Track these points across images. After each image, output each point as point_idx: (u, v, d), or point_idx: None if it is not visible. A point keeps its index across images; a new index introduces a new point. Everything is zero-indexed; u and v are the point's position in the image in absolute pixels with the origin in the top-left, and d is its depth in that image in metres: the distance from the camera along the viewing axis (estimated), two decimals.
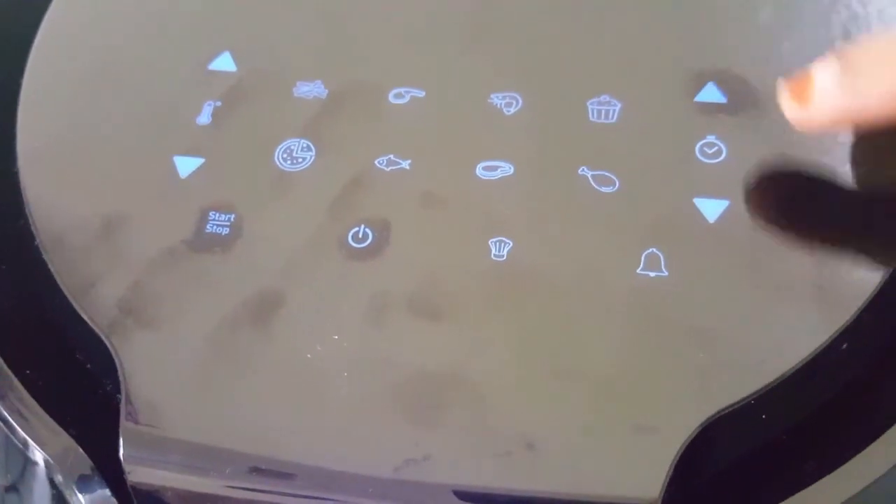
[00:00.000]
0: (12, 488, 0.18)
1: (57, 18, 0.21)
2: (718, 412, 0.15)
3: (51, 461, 0.16)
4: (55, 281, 0.17)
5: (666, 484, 0.15)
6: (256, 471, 0.15)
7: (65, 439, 0.16)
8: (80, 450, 0.16)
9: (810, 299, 0.16)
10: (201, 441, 0.16)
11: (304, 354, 0.16)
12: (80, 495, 0.16)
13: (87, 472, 0.16)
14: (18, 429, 0.16)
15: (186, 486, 0.15)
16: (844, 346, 0.16)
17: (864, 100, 0.16)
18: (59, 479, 0.16)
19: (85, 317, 0.17)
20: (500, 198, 0.18)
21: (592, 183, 0.18)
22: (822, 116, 0.16)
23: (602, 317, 0.16)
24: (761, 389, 0.15)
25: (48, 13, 0.21)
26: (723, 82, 0.19)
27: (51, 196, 0.19)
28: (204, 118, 0.20)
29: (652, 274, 0.17)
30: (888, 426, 0.15)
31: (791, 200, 0.17)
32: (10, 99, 0.20)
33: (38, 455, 0.16)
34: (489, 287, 0.17)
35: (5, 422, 0.16)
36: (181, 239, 0.18)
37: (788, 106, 0.17)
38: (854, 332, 0.16)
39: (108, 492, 0.16)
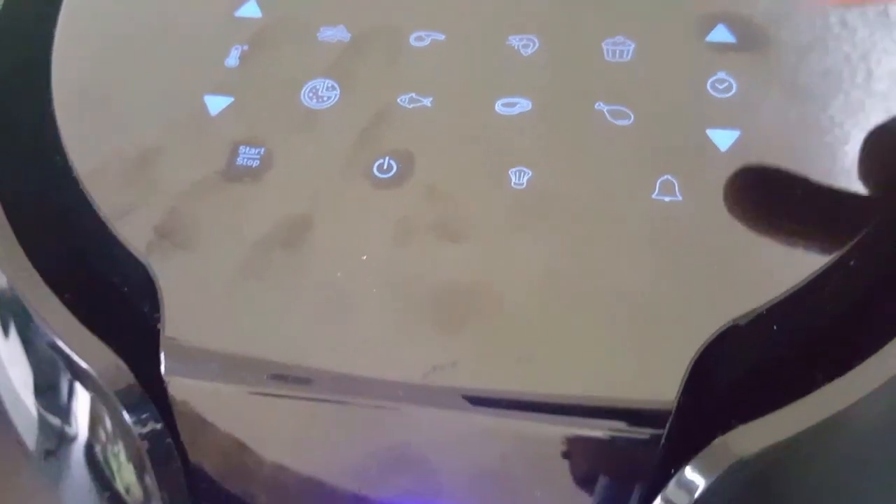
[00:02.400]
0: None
1: None
2: (732, 322, 0.16)
3: (95, 376, 0.16)
4: (93, 210, 0.18)
5: (681, 389, 0.15)
6: (291, 378, 0.16)
7: (108, 355, 0.16)
8: (124, 364, 0.16)
9: (819, 219, 0.17)
10: (239, 352, 0.16)
11: (335, 273, 0.17)
12: (125, 412, 0.16)
13: (131, 386, 0.16)
14: (63, 345, 0.17)
15: (226, 394, 0.16)
16: (852, 262, 0.17)
17: None
18: (102, 395, 0.17)
19: (123, 241, 0.18)
20: (518, 131, 0.19)
21: (608, 117, 0.19)
22: None
23: (618, 236, 0.17)
24: (772, 301, 0.16)
25: None
26: (732, 24, 0.20)
27: (86, 133, 0.19)
28: (232, 61, 0.20)
29: (667, 198, 0.17)
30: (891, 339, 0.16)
31: (799, 129, 0.18)
32: (44, 44, 0.21)
33: (81, 371, 0.17)
34: (510, 212, 0.18)
35: (48, 340, 0.17)
36: (214, 170, 0.19)
37: None
38: (861, 251, 0.17)
39: (152, 407, 0.16)
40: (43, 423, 0.19)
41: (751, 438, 0.15)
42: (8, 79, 0.21)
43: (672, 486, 0.16)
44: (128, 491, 0.18)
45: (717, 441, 0.15)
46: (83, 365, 0.16)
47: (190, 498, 0.17)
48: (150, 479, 0.17)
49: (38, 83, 0.21)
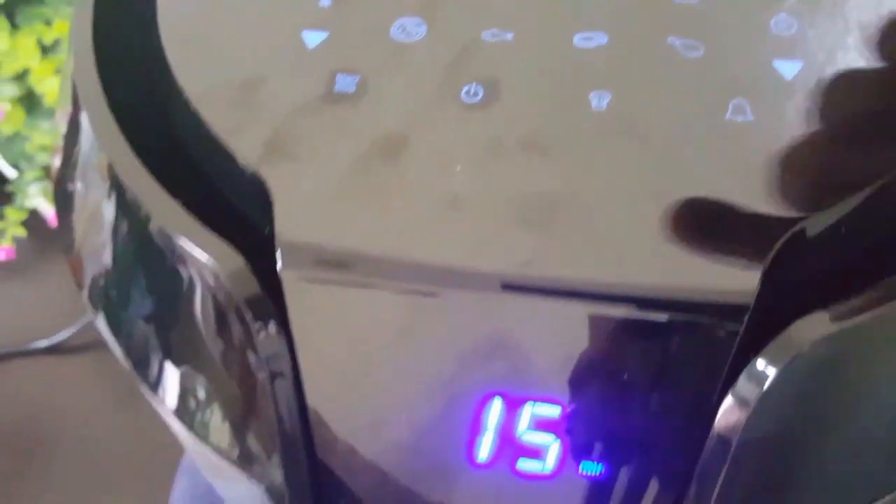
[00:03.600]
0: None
1: None
2: (808, 219, 0.17)
3: (218, 271, 0.18)
4: (204, 130, 0.20)
5: (761, 281, 0.17)
6: (397, 269, 0.17)
7: (229, 252, 0.18)
8: (244, 259, 0.18)
9: (876, 132, 0.18)
10: (347, 247, 0.18)
11: (431, 179, 0.18)
12: (245, 308, 0.18)
13: (250, 281, 0.18)
14: (185, 240, 0.18)
15: (336, 287, 0.18)
16: None
17: None
18: (224, 292, 0.18)
19: (235, 154, 0.19)
20: (596, 62, 0.20)
21: (680, 50, 0.20)
22: None
23: (696, 148, 0.18)
24: (847, 202, 0.17)
25: None
26: None
27: (193, 64, 0.21)
28: (325, 2, 0.22)
29: (739, 119, 0.19)
30: None
31: (853, 59, 0.20)
32: None
33: (203, 266, 0.18)
34: (592, 130, 0.19)
35: (167, 237, 0.19)
36: (314, 95, 0.20)
37: None
38: None
39: (270, 304, 0.18)
40: (160, 328, 0.21)
41: (816, 327, 0.17)
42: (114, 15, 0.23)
43: (742, 379, 0.17)
44: (240, 387, 0.19)
45: (783, 332, 0.17)
46: (202, 257, 0.18)
47: (297, 394, 0.19)
48: (263, 375, 0.18)
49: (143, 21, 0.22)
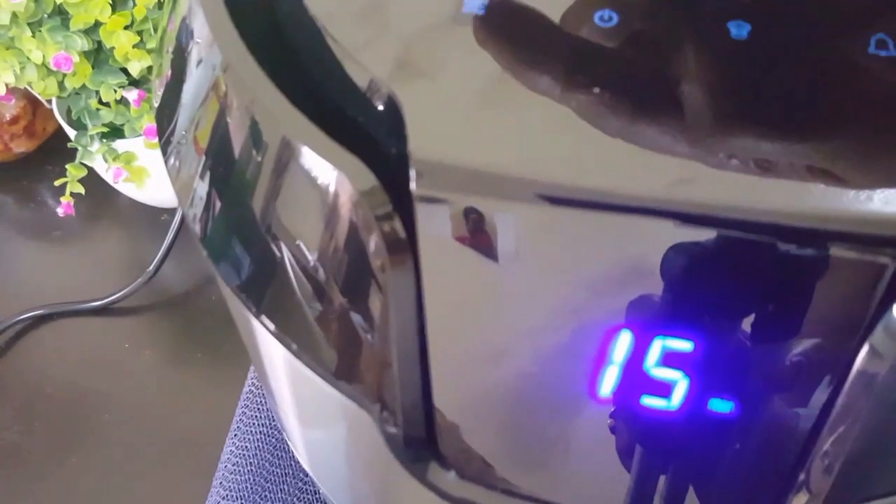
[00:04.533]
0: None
1: None
2: None
3: (351, 188, 0.17)
4: (329, 49, 0.19)
5: None
6: (531, 189, 0.17)
7: (363, 169, 0.18)
8: (375, 177, 0.17)
9: None
10: (480, 165, 0.17)
11: (567, 100, 0.18)
12: (378, 223, 0.17)
13: (383, 199, 0.18)
14: (319, 156, 0.18)
15: (469, 205, 0.17)
16: None
17: None
18: (358, 209, 0.18)
19: (367, 69, 0.19)
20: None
21: None
22: None
23: (840, 80, 0.18)
24: None
25: None
26: None
27: None
28: None
29: (882, 53, 0.18)
30: None
31: None
32: None
33: (336, 182, 0.18)
34: (732, 58, 0.18)
35: (300, 153, 0.18)
36: (442, 17, 0.20)
37: None
38: None
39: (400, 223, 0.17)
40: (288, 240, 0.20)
41: None
42: None
43: (880, 328, 0.17)
44: (363, 306, 0.19)
45: None
46: (335, 169, 0.18)
47: (419, 318, 0.18)
48: (388, 294, 0.18)
49: None
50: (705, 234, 0.17)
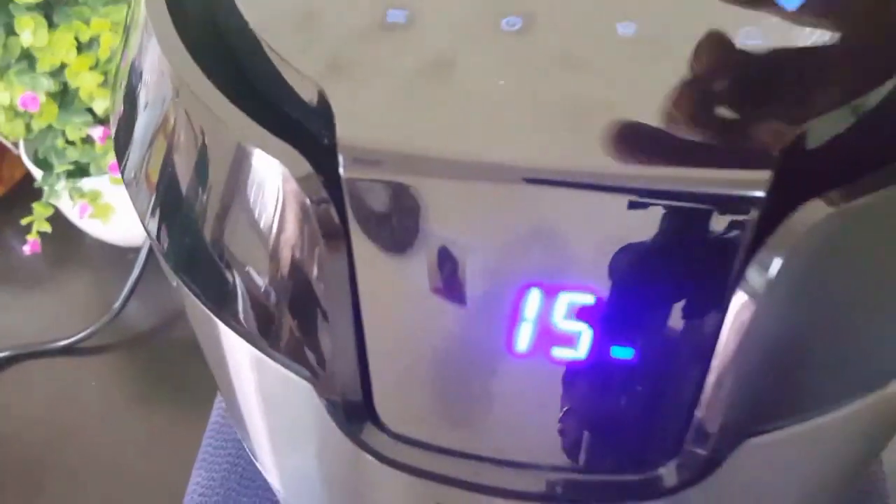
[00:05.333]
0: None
1: None
2: (817, 117, 0.19)
3: (290, 176, 0.20)
4: (266, 56, 0.22)
5: (778, 162, 0.18)
6: (452, 165, 0.19)
7: (299, 158, 0.20)
8: (306, 161, 0.20)
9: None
10: (402, 148, 0.20)
11: (476, 90, 0.20)
12: (307, 200, 0.20)
13: (311, 174, 0.20)
14: (258, 149, 0.20)
15: (393, 183, 0.20)
16: None
17: None
18: (297, 195, 0.20)
19: (299, 70, 0.21)
20: (619, 5, 0.22)
21: None
22: None
23: (717, 59, 0.20)
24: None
25: None
26: None
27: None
28: None
29: (749, 42, 0.21)
30: None
31: None
32: None
33: (275, 172, 0.20)
34: (620, 49, 0.21)
35: (241, 148, 0.21)
36: (369, 24, 0.22)
37: None
38: None
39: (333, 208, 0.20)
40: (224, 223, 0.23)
41: (817, 212, 0.18)
42: None
43: (751, 266, 0.19)
44: (299, 276, 0.21)
45: (786, 220, 0.19)
46: (273, 158, 0.20)
47: (351, 285, 0.21)
48: (322, 256, 0.20)
49: None
50: (596, 199, 0.19)
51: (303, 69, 0.21)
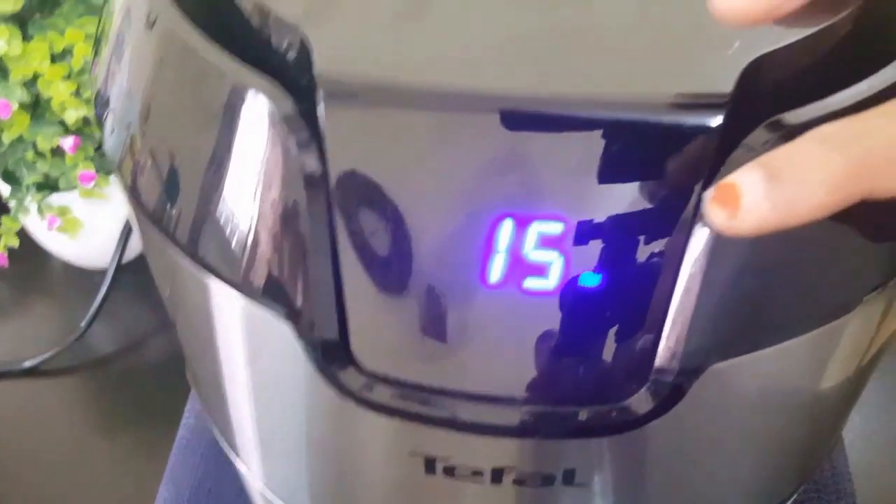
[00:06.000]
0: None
1: None
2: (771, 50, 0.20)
3: (268, 102, 0.21)
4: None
5: (736, 87, 0.19)
6: (426, 95, 0.20)
7: (282, 93, 0.21)
8: (286, 94, 0.21)
9: None
10: (378, 79, 0.21)
11: (449, 26, 0.21)
12: (288, 132, 0.21)
13: (294, 113, 0.21)
14: (232, 73, 0.21)
15: (371, 114, 0.20)
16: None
17: (792, 208, 0.16)
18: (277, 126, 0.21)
19: (276, 13, 0.22)
20: None
21: None
22: (749, 226, 0.16)
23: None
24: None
25: None
26: None
27: None
28: None
29: None
30: None
31: None
32: None
33: (253, 102, 0.21)
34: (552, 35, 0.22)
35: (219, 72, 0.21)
36: None
37: (715, 215, 0.17)
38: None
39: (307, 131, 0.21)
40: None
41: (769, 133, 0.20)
42: None
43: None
44: (280, 204, 0.22)
45: (740, 144, 0.20)
46: (259, 93, 0.21)
47: (328, 213, 0.21)
48: (301, 189, 0.21)
49: None
50: (564, 126, 0.20)
51: (280, 12, 0.22)
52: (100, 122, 0.27)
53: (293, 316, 0.23)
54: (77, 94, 0.55)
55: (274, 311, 0.23)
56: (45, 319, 0.77)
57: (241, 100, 0.22)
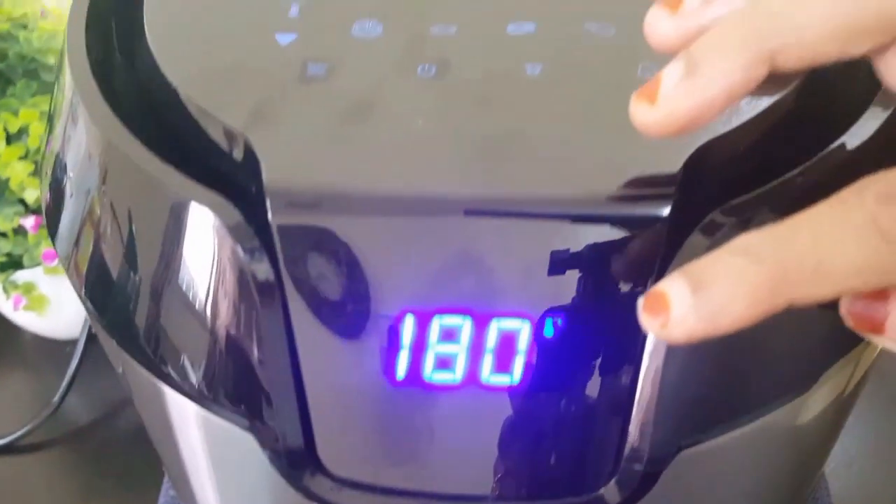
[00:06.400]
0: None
1: None
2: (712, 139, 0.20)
3: (214, 215, 0.20)
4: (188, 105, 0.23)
5: (681, 174, 0.20)
6: (373, 200, 0.20)
7: (230, 207, 0.21)
8: (236, 210, 0.20)
9: None
10: (330, 187, 0.20)
11: (394, 132, 0.21)
12: (236, 245, 0.20)
13: (240, 221, 0.20)
14: (177, 188, 0.21)
15: (321, 221, 0.20)
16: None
17: (716, 320, 0.16)
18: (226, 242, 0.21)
19: (224, 122, 0.22)
20: (529, 43, 0.24)
21: (596, 31, 0.24)
22: (680, 335, 0.16)
23: (614, 98, 0.22)
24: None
25: None
26: None
27: (177, 56, 0.24)
28: (293, 13, 0.25)
29: (648, 76, 0.23)
30: None
31: None
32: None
33: (201, 217, 0.21)
34: (527, 88, 0.22)
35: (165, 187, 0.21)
36: (290, 77, 0.23)
37: (648, 323, 0.17)
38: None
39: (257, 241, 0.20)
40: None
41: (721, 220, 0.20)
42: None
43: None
44: (234, 314, 0.21)
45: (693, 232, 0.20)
46: (204, 207, 0.20)
47: (285, 320, 0.21)
48: (256, 301, 0.21)
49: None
50: (523, 227, 0.20)
51: (226, 121, 0.22)
52: (47, 212, 0.26)
53: (255, 428, 0.23)
54: (35, 173, 0.54)
55: (234, 423, 0.23)
56: (17, 394, 0.75)
57: (187, 212, 0.21)
